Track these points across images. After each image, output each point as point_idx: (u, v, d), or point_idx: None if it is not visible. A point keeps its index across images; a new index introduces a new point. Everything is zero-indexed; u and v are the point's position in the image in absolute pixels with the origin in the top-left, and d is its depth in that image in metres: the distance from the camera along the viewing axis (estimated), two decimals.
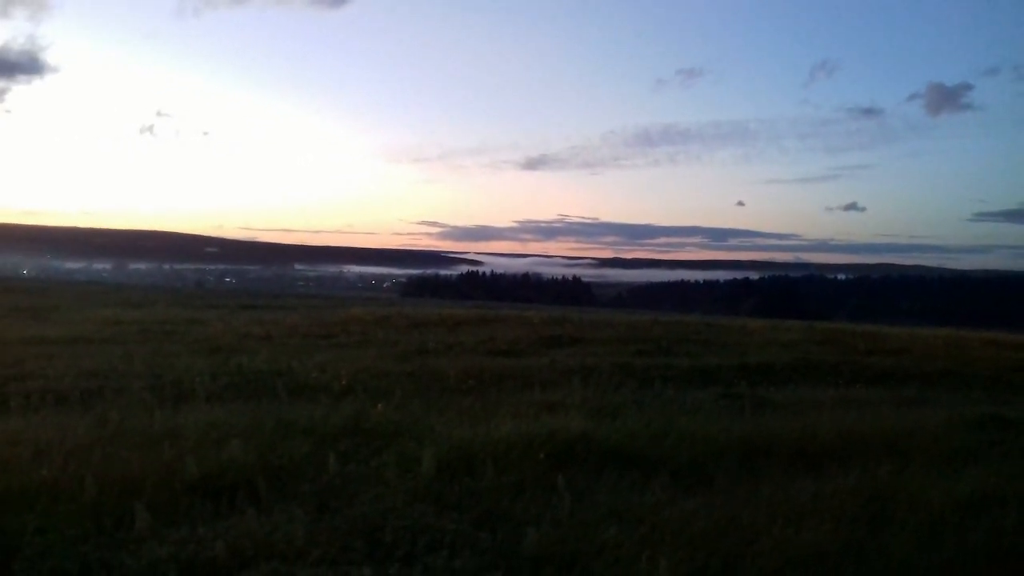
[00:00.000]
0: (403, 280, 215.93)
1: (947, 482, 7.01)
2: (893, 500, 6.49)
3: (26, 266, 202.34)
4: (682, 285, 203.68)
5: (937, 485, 6.88)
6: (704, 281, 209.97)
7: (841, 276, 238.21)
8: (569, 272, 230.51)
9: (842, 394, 12.51)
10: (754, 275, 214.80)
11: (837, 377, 14.81)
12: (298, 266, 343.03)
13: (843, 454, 7.90)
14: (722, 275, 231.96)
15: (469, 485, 6.46)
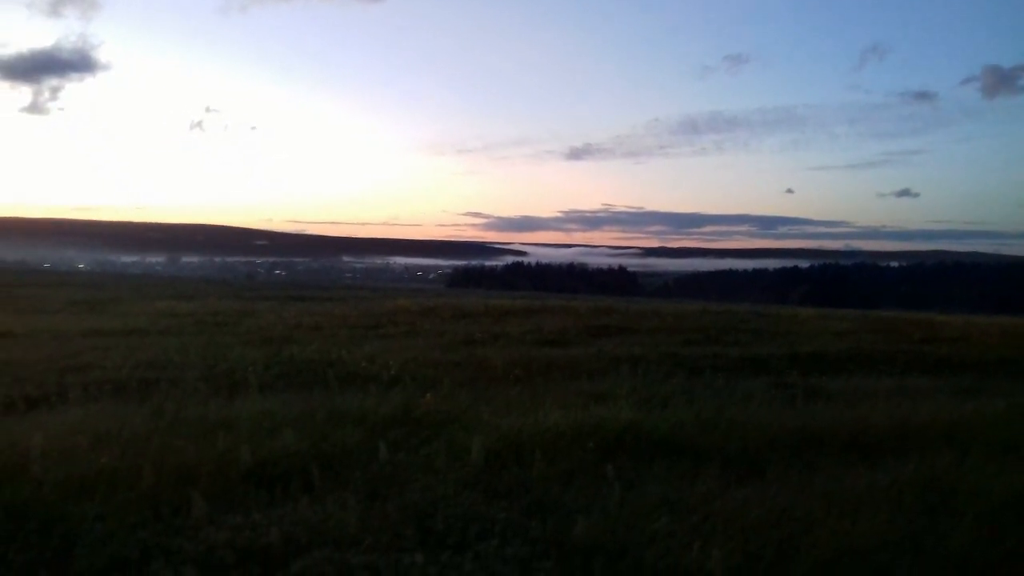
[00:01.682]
0: (449, 271, 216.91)
1: (1007, 473, 6.82)
2: (952, 491, 6.33)
3: (82, 260, 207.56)
4: (730, 274, 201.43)
5: (997, 476, 6.70)
6: (753, 270, 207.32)
7: (893, 264, 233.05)
8: (615, 262, 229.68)
9: (897, 383, 12.25)
10: (804, 263, 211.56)
11: (891, 366, 14.51)
12: (345, 258, 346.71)
13: (899, 444, 7.75)
14: (771, 264, 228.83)
15: (518, 474, 6.48)
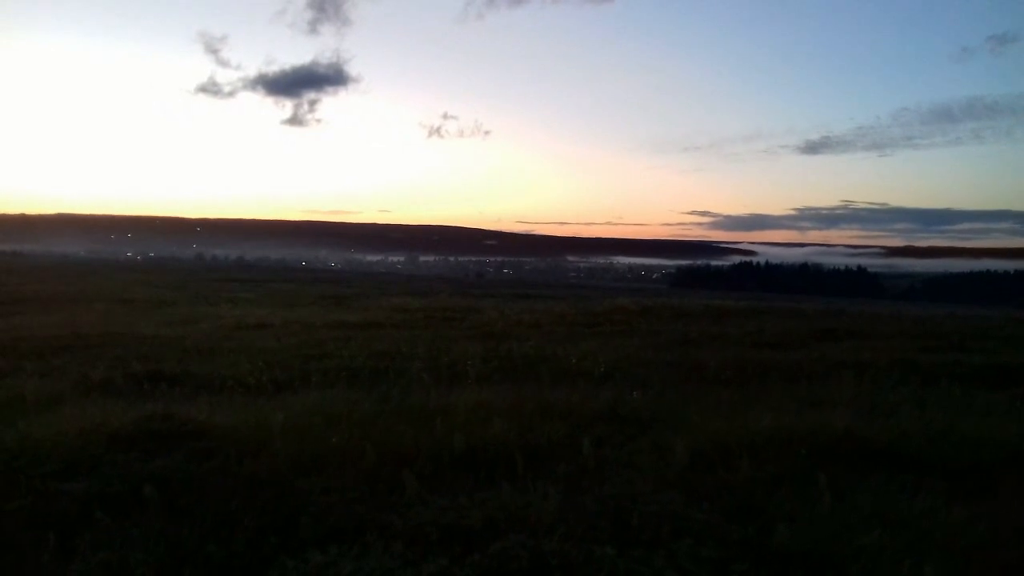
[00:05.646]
0: (673, 271, 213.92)
1: None
2: None
3: (334, 259, 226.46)
4: (988, 276, 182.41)
5: None
6: (1015, 272, 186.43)
7: None
8: (853, 262, 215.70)
9: None
10: None
11: None
12: (570, 257, 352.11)
13: None
14: None
15: (722, 477, 6.38)
